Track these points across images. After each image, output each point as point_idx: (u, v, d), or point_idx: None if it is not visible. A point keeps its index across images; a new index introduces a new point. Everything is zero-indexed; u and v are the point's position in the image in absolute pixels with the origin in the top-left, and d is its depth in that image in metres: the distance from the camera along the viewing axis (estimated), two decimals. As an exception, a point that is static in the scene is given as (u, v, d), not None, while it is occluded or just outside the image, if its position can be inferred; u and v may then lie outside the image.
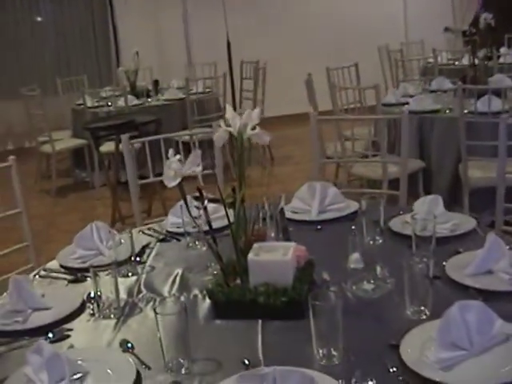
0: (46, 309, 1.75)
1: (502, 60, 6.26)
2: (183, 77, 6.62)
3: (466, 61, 6.05)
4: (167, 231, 2.31)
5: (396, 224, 2.10)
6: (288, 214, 2.17)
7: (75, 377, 1.37)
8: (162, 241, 2.24)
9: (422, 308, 1.52)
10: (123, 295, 1.79)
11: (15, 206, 2.67)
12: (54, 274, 2.03)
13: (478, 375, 1.26)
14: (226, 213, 1.67)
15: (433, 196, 2.14)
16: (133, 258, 1.98)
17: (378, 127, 4.04)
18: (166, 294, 1.81)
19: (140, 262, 2.03)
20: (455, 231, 2.01)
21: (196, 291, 1.78)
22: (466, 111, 3.85)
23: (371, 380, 1.25)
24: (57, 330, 1.63)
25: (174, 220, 2.31)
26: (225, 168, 3.28)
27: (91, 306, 1.74)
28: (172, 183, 1.67)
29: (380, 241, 1.96)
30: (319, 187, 2.36)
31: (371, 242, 1.95)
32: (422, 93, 4.94)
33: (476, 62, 5.00)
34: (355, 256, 1.78)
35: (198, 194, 1.71)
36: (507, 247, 1.73)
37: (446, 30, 6.66)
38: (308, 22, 8.60)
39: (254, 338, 1.49)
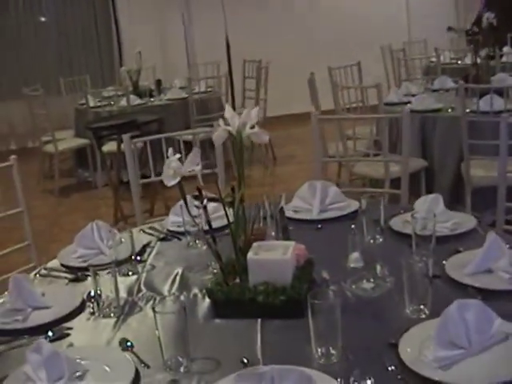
0: (46, 307, 1.75)
1: (504, 59, 6.25)
2: (186, 76, 6.62)
3: (468, 60, 6.05)
4: (168, 230, 2.31)
5: (396, 223, 2.10)
6: (289, 213, 2.17)
7: (74, 375, 1.37)
8: (162, 240, 2.25)
9: (422, 307, 1.51)
10: (123, 294, 1.79)
11: (17, 205, 2.68)
12: (55, 273, 2.03)
13: (477, 374, 1.26)
14: (226, 212, 1.68)
15: (434, 195, 2.13)
16: (133, 257, 1.98)
17: (380, 126, 4.04)
18: (165, 292, 1.81)
19: (140, 261, 2.04)
20: (455, 230, 2.00)
21: (196, 290, 1.79)
22: (468, 110, 3.84)
23: (370, 379, 1.24)
24: (57, 328, 1.64)
25: (174, 219, 2.32)
26: (227, 167, 3.28)
27: (91, 305, 1.74)
28: (171, 182, 1.67)
29: (380, 240, 1.96)
30: (320, 186, 2.35)
31: (371, 241, 1.95)
32: (424, 92, 4.93)
33: (478, 61, 4.99)
34: (355, 255, 1.78)
35: (197, 193, 1.71)
36: (507, 246, 1.72)
37: (450, 29, 6.65)
38: (310, 22, 8.59)
39: (253, 336, 1.49)
